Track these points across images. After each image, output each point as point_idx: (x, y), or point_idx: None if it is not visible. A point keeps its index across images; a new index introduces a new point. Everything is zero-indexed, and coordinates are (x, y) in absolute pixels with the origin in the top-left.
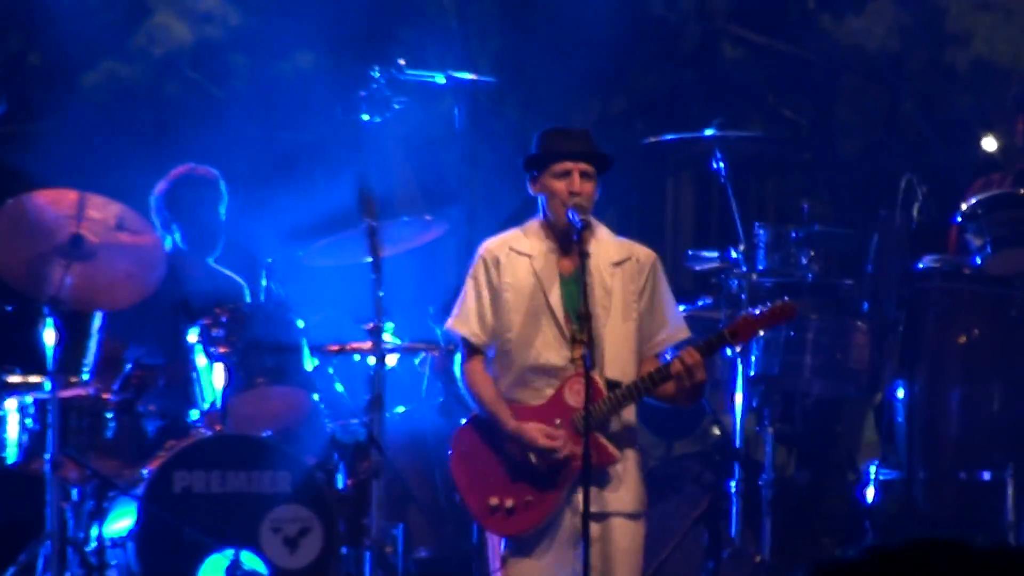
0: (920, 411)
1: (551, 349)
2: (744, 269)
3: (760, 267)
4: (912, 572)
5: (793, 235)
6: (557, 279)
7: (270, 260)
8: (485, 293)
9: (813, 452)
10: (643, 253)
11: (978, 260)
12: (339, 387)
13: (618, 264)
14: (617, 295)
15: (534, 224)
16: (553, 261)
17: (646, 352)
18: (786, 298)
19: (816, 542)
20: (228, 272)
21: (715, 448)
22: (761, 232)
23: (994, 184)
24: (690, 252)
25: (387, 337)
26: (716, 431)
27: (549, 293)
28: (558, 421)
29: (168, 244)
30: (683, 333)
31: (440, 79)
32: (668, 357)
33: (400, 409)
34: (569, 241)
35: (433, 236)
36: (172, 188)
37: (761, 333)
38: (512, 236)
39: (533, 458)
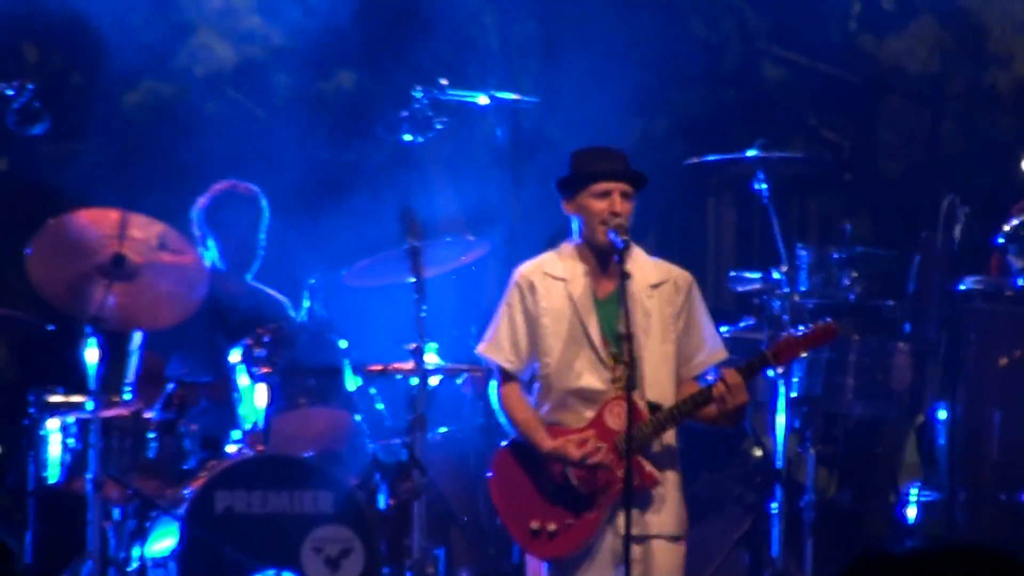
0: (961, 432)
1: (591, 373)
2: (786, 290)
3: (802, 288)
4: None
5: (835, 256)
6: (593, 302)
7: (312, 280)
8: (519, 319)
9: (855, 473)
10: (680, 275)
11: (1020, 281)
12: (381, 407)
13: (655, 286)
14: (655, 317)
15: (568, 247)
16: (589, 284)
17: (684, 374)
18: (828, 319)
19: None
20: (268, 290)
21: (757, 469)
22: (803, 253)
23: None
24: (732, 273)
25: (429, 357)
26: (758, 452)
27: (586, 317)
28: (600, 445)
29: (207, 261)
30: (721, 354)
31: (482, 99)
32: (710, 379)
33: (442, 430)
34: (605, 262)
35: (475, 256)
36: (213, 203)
37: (803, 354)
38: (546, 260)
39: (573, 478)
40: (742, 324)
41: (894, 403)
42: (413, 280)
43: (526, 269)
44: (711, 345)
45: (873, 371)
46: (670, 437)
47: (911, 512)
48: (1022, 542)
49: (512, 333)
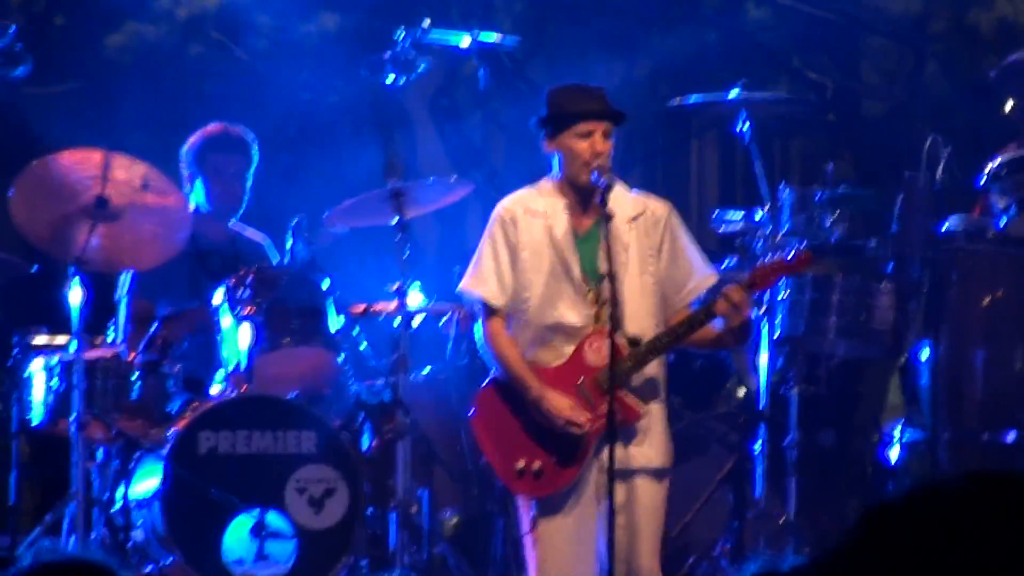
0: (944, 372)
1: (570, 308)
2: (769, 230)
3: (785, 228)
4: (971, 505)
5: (817, 196)
6: (573, 238)
7: (295, 221)
8: (503, 252)
9: (838, 413)
10: (657, 206)
11: (1002, 221)
12: (364, 348)
13: (634, 219)
14: (634, 250)
15: (548, 183)
16: (569, 220)
17: (678, 303)
18: (803, 243)
19: (840, 503)
20: (250, 231)
21: (740, 409)
22: (786, 193)
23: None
24: (715, 214)
25: (412, 298)
26: (740, 392)
27: (566, 253)
28: (581, 380)
29: (191, 202)
30: (711, 278)
31: (465, 40)
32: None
33: (426, 370)
34: (586, 199)
35: (458, 197)
36: (204, 145)
37: (778, 281)
38: (526, 195)
39: (557, 424)
40: (724, 264)
41: (877, 343)
42: (396, 221)
43: (508, 203)
44: (700, 271)
45: (856, 311)
46: (653, 369)
47: (894, 452)
48: None
49: (496, 267)
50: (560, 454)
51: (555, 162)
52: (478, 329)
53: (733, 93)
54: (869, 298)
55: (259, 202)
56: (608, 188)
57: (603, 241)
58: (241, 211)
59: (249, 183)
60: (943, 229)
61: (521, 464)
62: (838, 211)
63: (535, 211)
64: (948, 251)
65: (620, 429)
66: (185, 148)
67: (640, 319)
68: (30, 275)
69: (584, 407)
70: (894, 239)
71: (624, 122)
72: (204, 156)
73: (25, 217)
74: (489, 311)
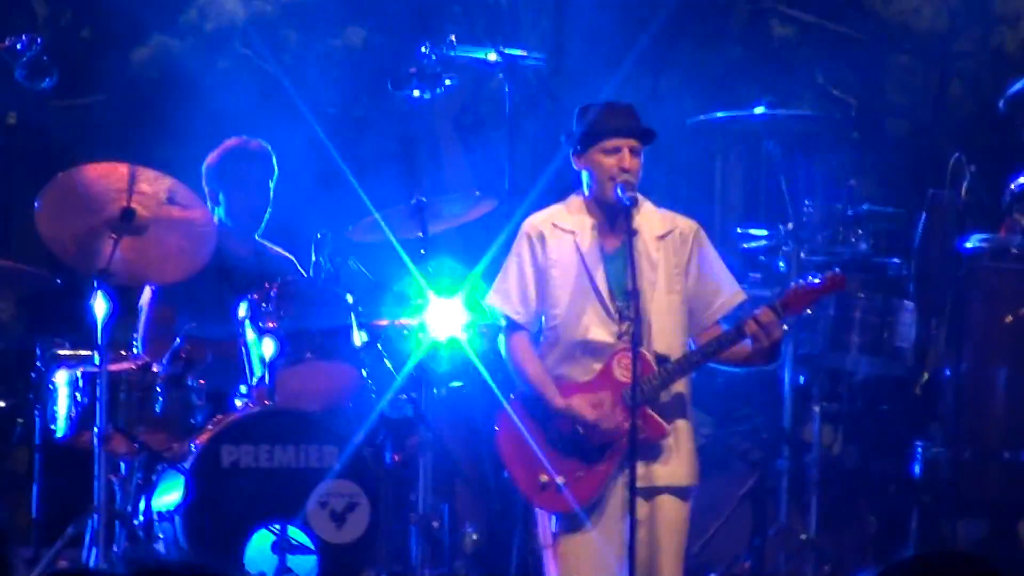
0: (966, 390)
1: (598, 326)
2: (792, 247)
3: (808, 245)
4: None
5: (841, 214)
6: (601, 256)
7: (320, 235)
8: (529, 270)
9: (859, 431)
10: (685, 224)
11: None
12: (387, 363)
13: (662, 237)
14: (662, 268)
15: (576, 200)
16: (597, 238)
17: (707, 321)
18: (836, 269)
19: (862, 520)
20: (275, 247)
21: (762, 426)
22: (810, 210)
23: None
24: (739, 230)
25: (435, 313)
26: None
27: (594, 271)
28: (607, 397)
29: (216, 217)
30: (739, 296)
31: (491, 56)
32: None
33: (450, 386)
34: (613, 217)
35: (481, 212)
36: (223, 159)
37: (811, 306)
38: (555, 212)
39: (582, 431)
40: (749, 281)
41: (899, 361)
42: (420, 235)
43: (536, 220)
44: (728, 288)
45: (878, 329)
46: (680, 387)
47: (916, 470)
48: None
49: (521, 283)
50: (584, 469)
51: (584, 179)
52: (501, 343)
53: (758, 110)
54: (891, 316)
55: (283, 216)
56: (634, 204)
57: (629, 258)
58: (263, 224)
59: (270, 194)
60: (967, 247)
61: (544, 478)
62: (861, 229)
63: (563, 228)
64: (971, 269)
65: (645, 446)
66: (206, 164)
67: (668, 337)
68: (55, 287)
69: (612, 409)
70: (917, 257)
71: (653, 140)
72: (225, 168)
73: (50, 229)
74: (512, 327)
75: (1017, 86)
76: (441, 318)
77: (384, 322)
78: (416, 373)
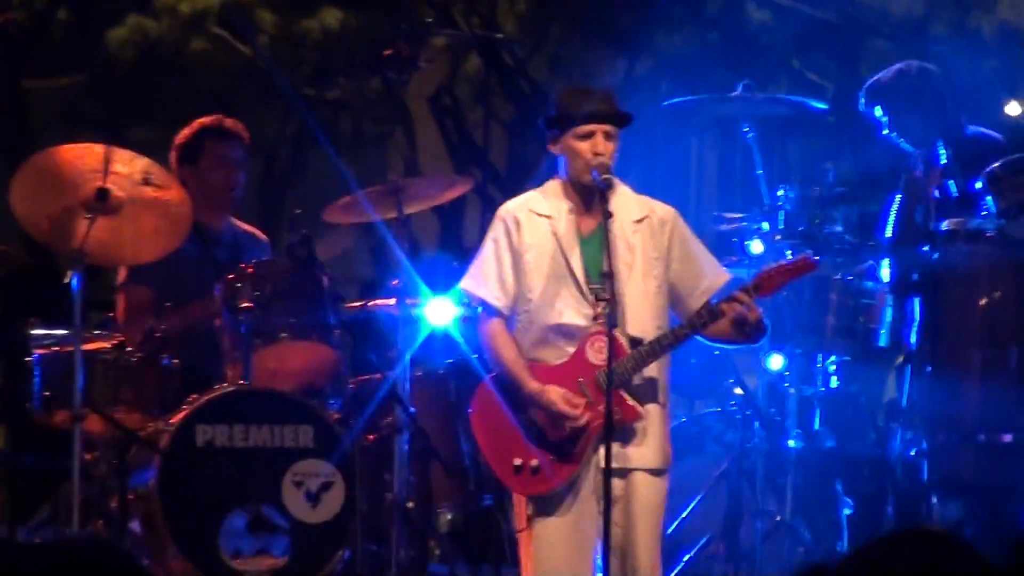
0: (941, 373)
1: (573, 309)
2: (767, 230)
3: (783, 228)
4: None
5: (817, 197)
6: (577, 240)
7: (295, 215)
8: (505, 255)
9: (835, 413)
10: (662, 209)
11: (1000, 223)
12: (363, 343)
13: (639, 221)
14: (639, 252)
15: (553, 184)
16: (573, 221)
17: (695, 304)
18: (809, 252)
19: (837, 502)
20: (250, 227)
21: (737, 408)
22: (785, 194)
23: None
24: (714, 213)
25: (411, 293)
26: (738, 391)
27: (570, 254)
28: (581, 379)
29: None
30: (723, 277)
31: (467, 38)
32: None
33: (424, 366)
34: (590, 200)
35: (457, 193)
36: (196, 137)
37: (782, 286)
38: (531, 197)
39: (554, 421)
40: (724, 264)
41: (874, 343)
42: (395, 216)
43: (511, 206)
44: (711, 270)
45: (854, 311)
46: (654, 370)
47: (891, 452)
48: (1001, 483)
49: (498, 268)
50: (557, 452)
51: (560, 164)
52: (479, 328)
53: (734, 93)
54: (867, 298)
55: (260, 197)
56: (609, 187)
57: (604, 240)
58: (236, 204)
59: (244, 174)
60: (941, 230)
61: (518, 461)
62: (836, 212)
63: (539, 213)
64: (946, 252)
65: (619, 429)
66: (178, 142)
67: (642, 321)
68: (30, 267)
69: (584, 404)
70: (892, 240)
71: (628, 124)
72: (203, 144)
73: (25, 210)
74: (489, 311)
75: (878, 76)
76: (432, 307)
77: (359, 302)
78: (391, 353)
